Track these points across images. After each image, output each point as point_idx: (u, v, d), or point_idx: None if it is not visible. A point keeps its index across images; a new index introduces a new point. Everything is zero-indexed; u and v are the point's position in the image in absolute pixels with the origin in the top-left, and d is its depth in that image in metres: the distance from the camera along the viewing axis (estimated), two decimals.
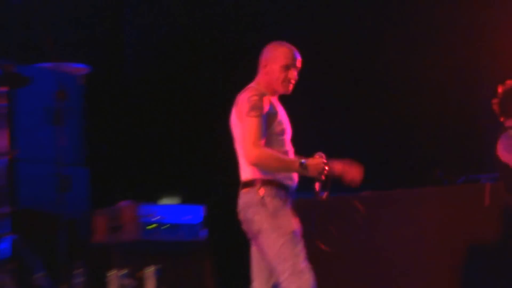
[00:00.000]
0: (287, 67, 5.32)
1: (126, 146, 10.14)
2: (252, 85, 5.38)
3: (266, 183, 5.20)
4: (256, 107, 5.14)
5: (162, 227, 8.04)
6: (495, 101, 6.13)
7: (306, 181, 5.37)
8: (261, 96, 5.22)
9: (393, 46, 9.73)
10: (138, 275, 7.82)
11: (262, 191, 5.18)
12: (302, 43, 5.61)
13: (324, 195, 5.16)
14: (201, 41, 10.46)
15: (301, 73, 5.43)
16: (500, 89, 6.11)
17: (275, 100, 5.37)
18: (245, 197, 5.28)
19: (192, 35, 10.44)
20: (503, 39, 8.80)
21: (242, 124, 5.20)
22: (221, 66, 10.22)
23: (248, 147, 5.11)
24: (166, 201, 9.47)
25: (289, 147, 5.37)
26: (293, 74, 5.34)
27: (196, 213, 8.19)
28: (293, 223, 5.21)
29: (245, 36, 10.03)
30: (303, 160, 5.13)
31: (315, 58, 6.88)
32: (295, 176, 5.32)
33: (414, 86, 9.51)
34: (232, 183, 9.21)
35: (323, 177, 5.15)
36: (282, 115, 5.36)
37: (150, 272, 7.82)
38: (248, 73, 5.55)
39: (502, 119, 6.11)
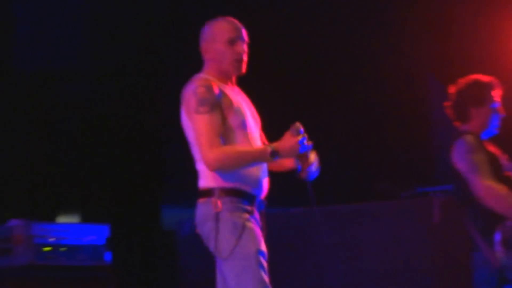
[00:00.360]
0: (231, 42, 4.61)
1: (17, 157, 9.11)
2: (198, 75, 4.67)
3: (224, 192, 4.45)
4: (205, 100, 4.45)
5: (60, 249, 7.29)
6: (448, 104, 5.67)
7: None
8: (209, 85, 4.51)
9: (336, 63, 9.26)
10: None
11: (219, 203, 4.41)
12: None
13: (304, 173, 4.49)
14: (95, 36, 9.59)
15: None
16: (452, 90, 5.66)
17: (230, 88, 4.65)
18: (201, 209, 4.50)
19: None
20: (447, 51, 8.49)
21: (192, 124, 4.50)
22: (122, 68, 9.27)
23: (203, 151, 4.41)
24: (63, 219, 8.82)
25: (256, 142, 4.63)
26: (241, 48, 4.63)
27: (99, 233, 7.43)
28: (257, 243, 4.43)
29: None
30: (272, 146, 4.41)
31: None
32: (264, 182, 4.59)
33: (360, 95, 9.12)
34: (141, 198, 9.18)
35: (303, 155, 4.47)
36: (241, 104, 4.63)
37: None
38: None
39: (457, 124, 5.63)
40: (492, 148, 5.47)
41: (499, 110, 5.49)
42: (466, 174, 5.31)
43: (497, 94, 5.51)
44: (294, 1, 9.59)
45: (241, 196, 4.44)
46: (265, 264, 4.43)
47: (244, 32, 4.67)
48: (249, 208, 4.46)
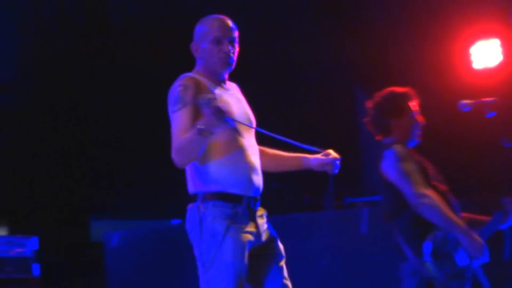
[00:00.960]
0: (217, 41, 4.50)
1: None
2: (185, 74, 4.51)
3: (207, 197, 4.30)
4: (179, 98, 4.32)
5: None
6: (367, 119, 5.55)
7: None
8: (188, 84, 4.36)
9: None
10: None
11: (201, 208, 4.28)
12: None
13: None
14: None
15: None
16: (370, 104, 5.54)
17: (220, 86, 4.51)
18: (188, 214, 4.35)
19: None
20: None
21: (171, 122, 4.34)
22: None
23: (171, 150, 4.24)
24: None
25: (247, 142, 4.46)
26: (227, 47, 4.49)
27: (27, 246, 7.26)
28: (234, 255, 4.23)
29: None
30: (198, 123, 4.18)
31: None
32: (252, 181, 4.39)
33: (287, 106, 9.05)
34: (69, 210, 9.06)
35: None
36: (228, 102, 4.42)
37: None
38: None
39: (379, 137, 5.52)
40: (418, 157, 5.40)
41: (418, 119, 5.46)
42: (397, 183, 5.25)
43: (414, 104, 5.47)
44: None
45: (225, 198, 4.29)
46: (243, 278, 4.26)
47: (232, 30, 4.56)
48: (235, 210, 4.30)
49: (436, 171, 5.46)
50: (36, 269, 7.27)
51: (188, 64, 4.56)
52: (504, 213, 5.34)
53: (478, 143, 7.66)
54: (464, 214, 5.39)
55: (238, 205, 4.32)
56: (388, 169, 5.27)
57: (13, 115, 9.11)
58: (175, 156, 4.23)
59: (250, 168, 4.40)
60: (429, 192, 5.12)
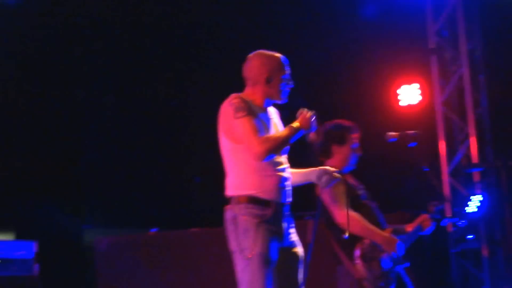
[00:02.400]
0: (268, 80, 4.48)
1: None
2: (233, 94, 4.46)
3: (241, 200, 4.31)
4: (240, 108, 4.31)
5: None
6: (316, 144, 5.19)
7: None
8: (242, 99, 4.38)
9: None
10: None
11: (235, 208, 4.30)
12: None
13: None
14: None
15: None
16: (321, 131, 5.42)
17: (263, 111, 4.49)
18: (225, 215, 4.37)
19: None
20: None
21: (235, 130, 4.32)
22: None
23: (252, 148, 4.27)
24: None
25: (283, 159, 4.47)
26: (277, 86, 4.51)
27: (28, 249, 7.18)
28: (263, 245, 4.23)
29: None
30: (295, 124, 4.37)
31: None
32: (281, 189, 4.39)
33: None
34: (65, 218, 8.94)
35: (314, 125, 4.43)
36: (269, 125, 4.47)
37: None
38: None
39: (322, 159, 5.42)
40: (351, 180, 5.41)
41: (357, 150, 5.43)
42: (328, 204, 5.24)
43: (356, 137, 5.44)
44: None
45: (255, 202, 4.29)
46: (270, 267, 4.24)
47: (284, 65, 4.53)
48: (264, 212, 4.29)
49: (366, 191, 5.46)
50: (35, 269, 7.08)
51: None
52: (422, 226, 5.38)
53: (403, 167, 7.60)
54: (390, 225, 5.40)
55: (267, 209, 4.30)
56: (322, 192, 5.17)
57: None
58: (267, 152, 4.25)
59: (279, 177, 4.37)
60: (350, 212, 5.09)
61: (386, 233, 5.16)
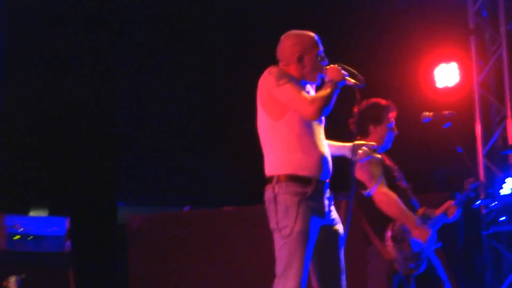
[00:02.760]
0: (299, 59, 4.45)
1: None
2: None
3: (281, 179, 4.28)
4: (282, 75, 4.31)
5: (28, 238, 7.08)
6: (351, 121, 5.44)
7: None
8: (281, 68, 4.39)
9: None
10: (3, 284, 6.84)
11: (276, 188, 4.26)
12: None
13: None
14: None
15: None
16: (356, 109, 5.36)
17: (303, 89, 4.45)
18: (265, 194, 4.35)
19: None
20: None
21: (280, 97, 4.28)
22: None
23: (302, 110, 4.26)
24: (33, 213, 8.40)
25: (317, 132, 4.45)
26: (310, 64, 4.47)
27: (60, 225, 7.21)
28: (303, 223, 4.22)
29: None
30: (329, 81, 4.34)
31: None
32: (322, 166, 4.37)
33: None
34: (99, 195, 8.99)
35: (348, 75, 4.38)
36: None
37: (13, 282, 6.85)
38: None
39: (358, 138, 5.34)
40: (387, 161, 5.39)
41: (393, 129, 5.43)
42: (365, 182, 5.23)
43: (392, 116, 5.44)
44: None
45: (296, 180, 4.26)
46: (309, 245, 4.23)
47: (316, 43, 4.48)
48: (305, 190, 4.27)
49: (401, 172, 5.45)
50: (68, 246, 7.17)
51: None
52: (447, 213, 5.33)
53: (438, 148, 7.54)
54: (422, 208, 5.36)
55: (308, 186, 4.27)
56: (359, 169, 5.18)
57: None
58: (319, 109, 4.23)
59: (320, 154, 4.35)
60: (389, 191, 5.14)
61: (421, 226, 5.13)
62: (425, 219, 5.23)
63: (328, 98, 4.26)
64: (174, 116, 9.54)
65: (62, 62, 8.86)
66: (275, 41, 4.55)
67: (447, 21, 8.88)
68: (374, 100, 5.46)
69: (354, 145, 4.58)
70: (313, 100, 4.24)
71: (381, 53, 8.83)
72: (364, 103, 5.47)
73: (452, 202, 5.36)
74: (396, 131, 5.45)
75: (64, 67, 8.86)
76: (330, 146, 4.55)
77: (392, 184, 5.26)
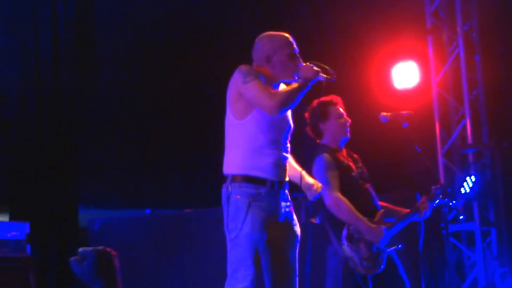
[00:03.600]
0: (293, 56, 4.44)
1: None
2: None
3: (235, 179, 4.30)
4: (250, 72, 4.29)
5: None
6: (308, 128, 5.59)
7: None
8: (252, 68, 4.38)
9: None
10: None
11: (229, 187, 4.29)
12: None
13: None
14: None
15: None
16: (307, 114, 5.58)
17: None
18: (221, 192, 4.38)
19: None
20: None
21: (244, 95, 4.27)
22: None
23: (265, 105, 4.22)
24: None
25: (277, 134, 4.41)
26: (300, 62, 4.43)
27: (20, 230, 7.07)
28: (251, 226, 4.22)
29: None
30: (299, 77, 4.30)
31: None
32: (278, 167, 4.36)
33: None
34: (58, 199, 8.87)
35: (321, 71, 4.33)
36: None
37: None
38: None
39: (318, 141, 5.55)
40: (346, 159, 5.42)
41: (344, 119, 5.45)
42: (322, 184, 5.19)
43: (337, 108, 5.46)
44: None
45: (249, 181, 4.26)
46: (259, 247, 4.23)
47: (287, 43, 4.48)
48: (258, 191, 4.27)
49: (363, 169, 5.48)
50: (28, 250, 7.06)
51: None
52: (418, 210, 5.35)
53: (397, 148, 7.58)
54: (383, 204, 5.40)
55: (261, 187, 4.26)
56: (316, 175, 5.21)
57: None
58: (280, 103, 4.17)
59: (275, 154, 4.34)
60: (339, 197, 5.18)
61: (371, 224, 5.18)
62: (389, 217, 5.30)
63: (292, 93, 4.23)
64: (135, 116, 9.48)
65: None
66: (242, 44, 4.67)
67: (405, 22, 8.94)
68: (316, 100, 5.50)
69: (306, 184, 4.54)
70: (275, 94, 4.23)
71: (337, 51, 8.85)
72: (310, 106, 5.52)
73: (425, 198, 5.38)
74: (348, 120, 5.47)
75: None
76: (290, 167, 4.53)
77: (349, 184, 5.31)
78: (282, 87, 4.47)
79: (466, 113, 8.82)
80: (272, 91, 4.26)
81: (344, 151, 5.50)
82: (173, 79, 9.32)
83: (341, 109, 5.46)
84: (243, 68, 4.33)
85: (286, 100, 4.21)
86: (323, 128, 5.45)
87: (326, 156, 5.33)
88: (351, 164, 5.43)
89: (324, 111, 5.45)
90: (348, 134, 5.47)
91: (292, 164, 4.56)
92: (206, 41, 9.15)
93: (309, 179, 4.58)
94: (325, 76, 4.34)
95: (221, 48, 8.91)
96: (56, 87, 8.45)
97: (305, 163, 5.20)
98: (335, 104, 5.46)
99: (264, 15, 8.88)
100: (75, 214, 8.52)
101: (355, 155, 5.57)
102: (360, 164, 5.52)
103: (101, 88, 8.80)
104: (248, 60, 4.51)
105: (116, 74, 9.45)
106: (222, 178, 4.39)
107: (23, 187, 8.49)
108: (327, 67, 4.38)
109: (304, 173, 4.59)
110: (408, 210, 5.38)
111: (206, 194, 7.98)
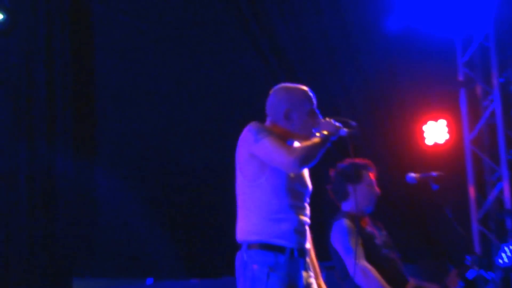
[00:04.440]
0: (312, 113, 4.48)
1: None
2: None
3: (252, 246, 4.28)
4: (262, 130, 4.29)
5: None
6: (329, 186, 5.64)
7: None
8: (261, 123, 4.40)
9: None
10: None
11: (245, 256, 4.28)
12: None
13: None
14: None
15: None
16: (332, 173, 5.66)
17: None
18: (236, 261, 4.37)
19: None
20: None
21: (258, 153, 4.27)
22: None
23: (283, 160, 4.20)
24: None
25: (296, 199, 4.41)
26: (319, 121, 4.45)
27: None
28: None
29: None
30: (320, 133, 4.31)
31: None
32: (298, 233, 4.34)
33: None
34: (52, 269, 8.82)
35: (341, 128, 4.37)
36: None
37: None
38: None
39: (338, 204, 5.63)
40: (369, 227, 5.44)
41: (374, 188, 5.47)
42: (342, 255, 5.29)
43: (372, 174, 5.49)
44: None
45: (267, 249, 4.25)
46: None
47: (307, 98, 4.52)
48: (277, 260, 4.25)
49: (388, 238, 5.50)
50: None
51: None
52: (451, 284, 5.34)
53: (426, 213, 7.56)
54: (412, 281, 5.37)
55: (280, 255, 4.24)
56: (335, 241, 5.29)
57: None
58: (299, 160, 4.16)
59: (295, 220, 4.32)
60: (367, 265, 5.16)
61: None
62: None
63: (313, 148, 4.22)
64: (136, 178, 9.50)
65: None
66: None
67: (436, 74, 8.91)
68: (349, 159, 5.48)
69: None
70: (294, 149, 4.23)
71: (367, 108, 8.94)
72: (340, 164, 5.55)
73: (456, 271, 5.39)
74: (377, 191, 5.50)
75: None
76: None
77: (375, 255, 5.31)
78: (297, 145, 4.46)
79: (504, 174, 8.71)
80: (287, 145, 4.27)
81: (367, 218, 5.52)
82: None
83: (373, 178, 5.49)
84: (253, 125, 4.32)
85: (307, 156, 4.19)
86: (350, 191, 5.48)
87: (346, 221, 5.35)
88: (374, 231, 5.46)
89: (357, 174, 5.47)
90: (374, 206, 5.50)
91: (313, 258, 4.61)
92: None
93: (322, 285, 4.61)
94: (348, 130, 4.36)
95: None
96: None
97: (321, 227, 5.37)
98: (369, 170, 5.50)
99: (283, 71, 8.91)
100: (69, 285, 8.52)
101: (378, 222, 5.59)
102: (385, 232, 5.54)
103: None
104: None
105: None
106: (234, 245, 4.38)
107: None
108: (348, 121, 4.41)
109: (319, 274, 4.62)
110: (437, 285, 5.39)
111: (215, 262, 8.11)
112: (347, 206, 5.52)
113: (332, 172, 5.61)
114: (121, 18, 9.06)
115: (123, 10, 9.14)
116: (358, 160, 5.46)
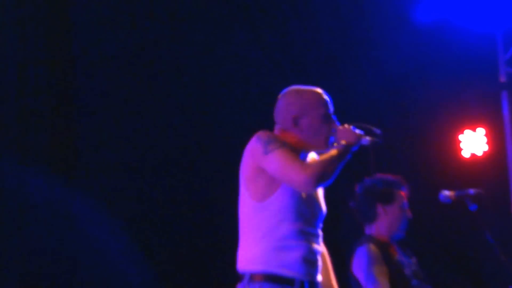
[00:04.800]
0: (328, 118, 4.27)
1: None
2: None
3: (255, 278, 4.06)
4: (272, 140, 4.07)
5: None
6: (353, 204, 5.40)
7: None
8: (270, 131, 4.20)
9: None
10: None
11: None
12: None
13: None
14: None
15: None
16: (357, 189, 5.40)
17: None
18: None
19: None
20: None
21: (268, 167, 4.04)
22: None
23: (295, 177, 3.96)
24: None
25: (307, 224, 4.15)
26: (335, 128, 4.27)
27: None
28: None
29: None
30: (339, 143, 4.12)
31: None
32: (309, 263, 4.11)
33: None
34: None
35: (363, 136, 4.15)
36: None
37: None
38: None
39: (364, 226, 5.35)
40: (398, 255, 5.16)
41: (407, 212, 5.22)
42: (365, 285, 5.02)
43: (405, 195, 5.24)
44: None
45: (273, 281, 4.05)
46: None
47: (321, 102, 4.31)
48: None
49: (417, 266, 5.22)
50: None
51: None
52: None
53: (462, 237, 7.31)
54: None
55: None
56: (357, 269, 5.10)
57: None
58: (314, 176, 3.96)
59: (306, 249, 4.14)
60: None
61: None
62: None
63: (330, 163, 4.03)
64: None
65: None
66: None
67: (474, 74, 8.77)
68: (380, 175, 5.27)
69: None
70: (308, 164, 4.03)
71: (398, 116, 8.89)
72: (368, 180, 5.31)
73: None
74: (410, 214, 5.22)
75: None
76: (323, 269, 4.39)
77: (401, 285, 5.02)
78: (311, 157, 4.24)
79: None
80: (301, 160, 4.06)
81: (394, 244, 5.24)
82: None
83: (405, 198, 5.25)
84: (262, 135, 4.10)
85: (323, 172, 3.99)
86: (380, 212, 5.19)
87: (371, 247, 5.08)
88: (402, 259, 5.17)
89: (389, 192, 5.22)
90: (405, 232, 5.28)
91: (326, 266, 4.42)
92: None
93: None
94: (370, 139, 4.12)
95: None
96: None
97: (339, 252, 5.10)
98: (401, 188, 5.24)
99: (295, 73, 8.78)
100: None
101: (406, 248, 5.31)
102: (415, 260, 5.26)
103: None
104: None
105: None
106: (235, 277, 4.17)
107: None
108: (371, 127, 4.16)
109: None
110: None
111: None
112: (372, 229, 5.24)
113: (358, 188, 5.36)
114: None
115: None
116: (389, 176, 5.25)
